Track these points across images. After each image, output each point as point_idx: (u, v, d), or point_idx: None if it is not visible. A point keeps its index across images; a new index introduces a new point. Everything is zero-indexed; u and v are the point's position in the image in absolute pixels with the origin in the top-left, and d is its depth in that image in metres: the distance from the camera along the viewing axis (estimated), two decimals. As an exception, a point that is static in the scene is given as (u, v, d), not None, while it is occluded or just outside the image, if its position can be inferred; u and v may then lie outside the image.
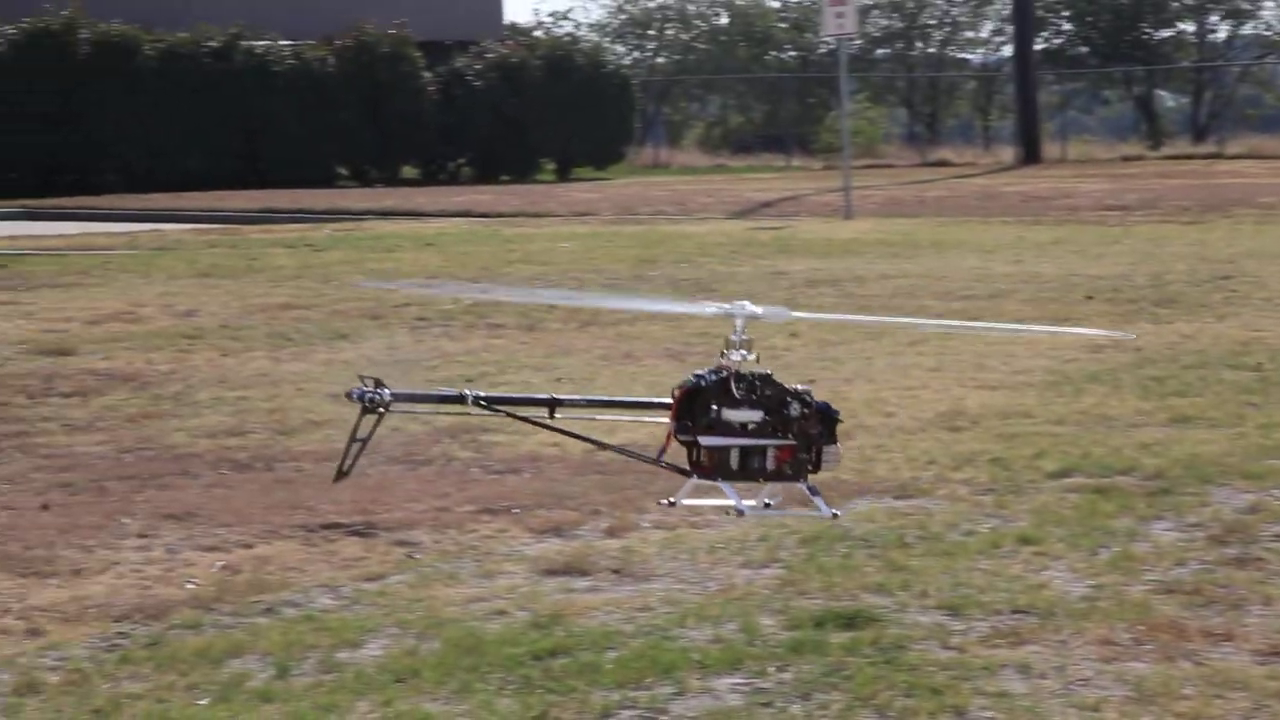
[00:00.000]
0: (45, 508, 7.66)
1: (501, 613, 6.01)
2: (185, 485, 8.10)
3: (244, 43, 40.12)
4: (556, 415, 5.22)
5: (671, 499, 5.28)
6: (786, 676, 5.30)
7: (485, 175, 43.94)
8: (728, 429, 5.05)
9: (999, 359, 11.62)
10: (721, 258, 19.37)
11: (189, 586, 6.37)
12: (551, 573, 6.52)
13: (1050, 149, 48.66)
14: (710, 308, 5.27)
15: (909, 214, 27.22)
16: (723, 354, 5.18)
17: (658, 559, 6.69)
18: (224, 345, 12.72)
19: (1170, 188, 31.52)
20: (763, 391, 5.11)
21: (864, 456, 8.47)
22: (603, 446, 5.69)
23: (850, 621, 5.79)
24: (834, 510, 5.35)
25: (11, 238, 24.34)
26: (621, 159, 48.04)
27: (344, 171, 42.41)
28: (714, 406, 5.06)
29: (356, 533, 7.14)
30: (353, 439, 4.97)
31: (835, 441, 5.23)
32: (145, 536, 7.13)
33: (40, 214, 31.19)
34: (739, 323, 5.22)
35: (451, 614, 5.99)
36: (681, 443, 5.11)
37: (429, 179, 43.75)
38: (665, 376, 10.88)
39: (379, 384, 4.99)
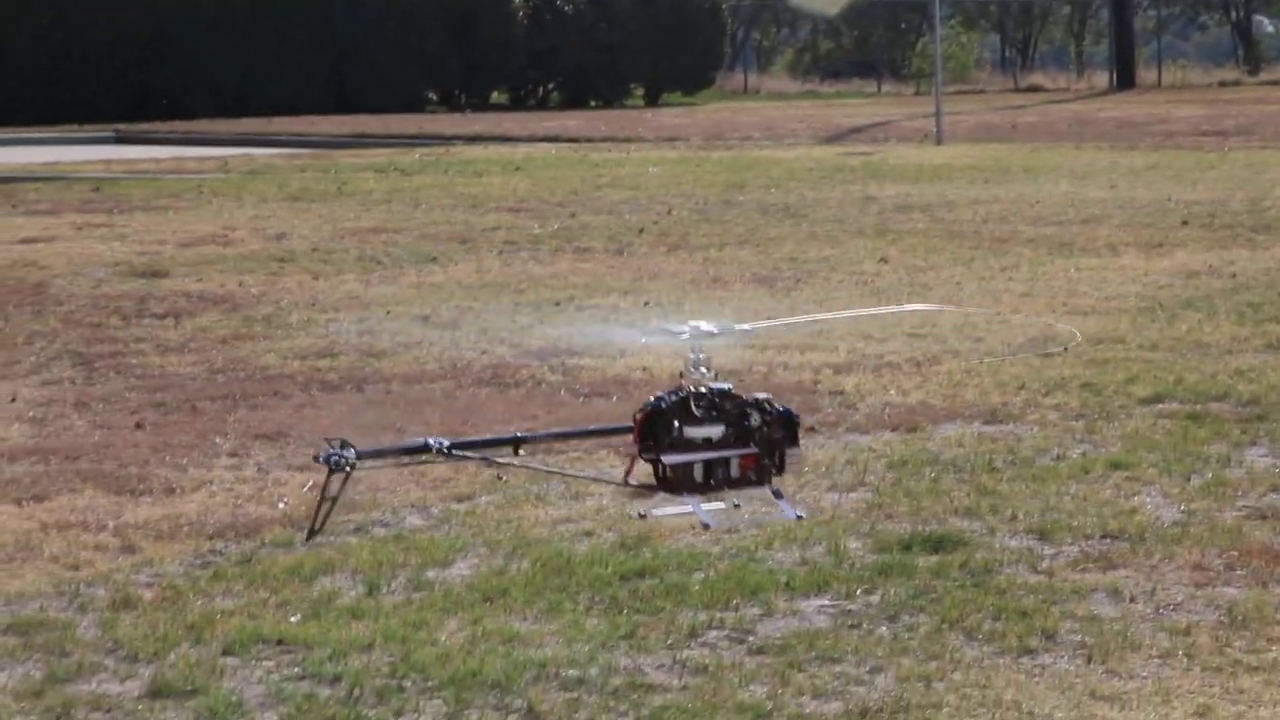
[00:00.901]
0: (139, 427, 7.73)
1: (589, 534, 6.03)
2: (276, 406, 8.16)
3: (335, -33, 40.17)
4: (522, 451, 5.40)
5: (642, 511, 5.46)
6: (873, 599, 5.30)
7: (574, 101, 43.88)
8: (690, 445, 5.20)
9: (1091, 285, 11.53)
10: (811, 183, 19.28)
11: (280, 505, 6.42)
12: (639, 494, 6.52)
13: (1145, 75, 48.12)
14: (677, 329, 5.42)
15: (1001, 139, 26.97)
16: (682, 374, 5.32)
17: (745, 482, 6.68)
18: (314, 268, 12.78)
19: (1268, 114, 31.09)
20: (722, 406, 5.25)
21: (953, 381, 8.43)
22: (572, 476, 5.85)
23: (938, 545, 5.77)
24: (798, 512, 5.51)
25: (106, 161, 24.52)
26: (711, 84, 47.85)
27: (433, 97, 42.45)
28: (675, 424, 5.20)
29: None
30: (323, 498, 5.14)
31: (797, 444, 5.39)
32: (237, 456, 7.18)
33: (133, 138, 31.40)
34: (695, 342, 5.35)
35: (540, 535, 6.01)
36: (647, 461, 5.26)
37: (518, 105, 43.75)
38: (753, 302, 10.87)
39: (345, 444, 5.16)
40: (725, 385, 5.32)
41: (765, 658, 4.84)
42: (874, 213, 16.10)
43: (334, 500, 5.23)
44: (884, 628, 5.06)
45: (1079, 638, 4.95)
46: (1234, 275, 11.77)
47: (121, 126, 33.44)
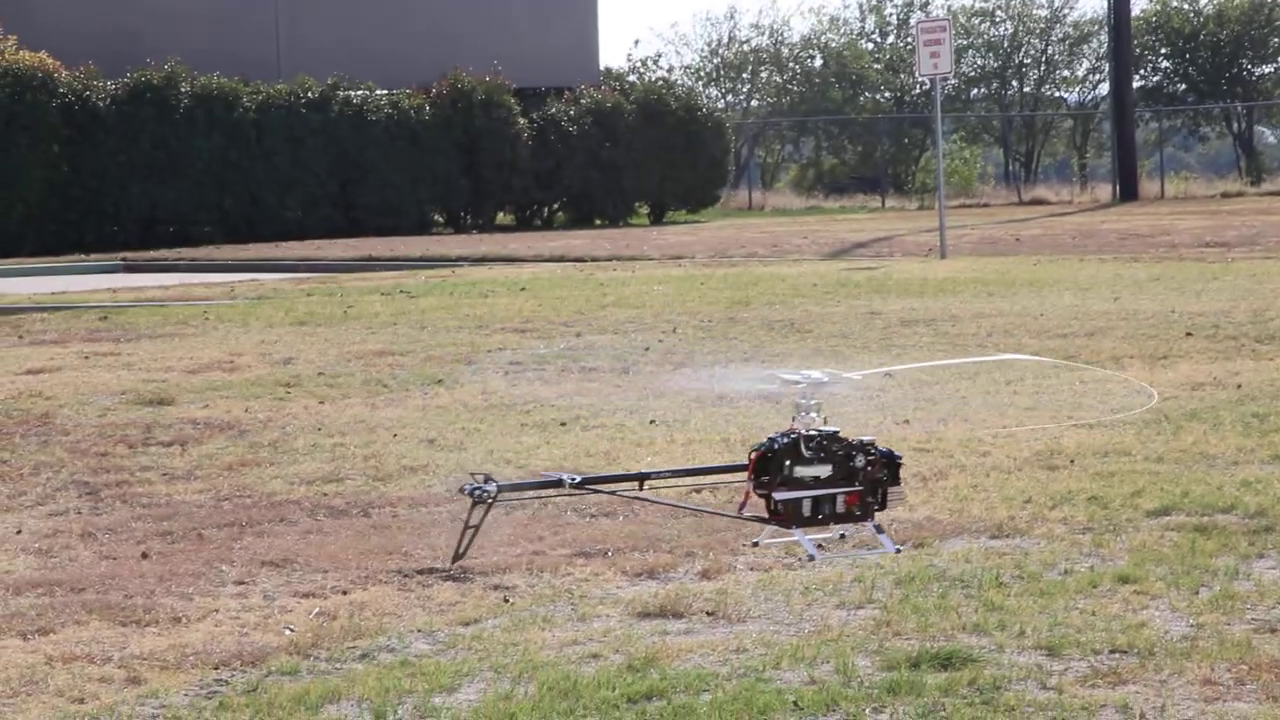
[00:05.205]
0: (145, 556, 7.73)
1: (596, 656, 6.01)
2: (282, 532, 8.15)
3: (341, 92, 40.47)
4: (646, 486, 5.77)
5: (756, 540, 5.73)
6: (883, 718, 5.27)
7: (580, 220, 44.14)
8: (799, 484, 5.51)
9: (1096, 397, 11.53)
10: (815, 299, 19.33)
11: (286, 633, 6.41)
12: (646, 615, 6.51)
13: (1148, 187, 48.41)
14: (791, 377, 5.78)
15: (1004, 253, 27.07)
16: (794, 418, 5.65)
17: (752, 601, 6.67)
18: (321, 392, 12.80)
19: (1271, 224, 31.21)
20: (830, 447, 5.56)
21: (959, 496, 8.42)
22: (691, 509, 6.10)
23: (946, 662, 5.75)
24: (898, 546, 5.76)
25: (113, 290, 24.63)
26: (715, 202, 48.14)
27: (439, 218, 42.68)
28: (786, 464, 5.51)
29: (451, 578, 7.15)
30: (466, 526, 5.52)
31: (898, 483, 5.73)
32: (243, 584, 7.17)
33: (140, 266, 31.56)
34: (806, 389, 5.68)
35: (546, 658, 6.00)
36: (760, 496, 5.54)
37: (523, 225, 43.97)
38: (758, 419, 10.87)
39: (488, 479, 5.59)
40: (833, 429, 5.58)
41: (773, 780, 4.81)
42: (879, 327, 16.13)
43: (476, 529, 5.58)
44: (892, 748, 5.03)
45: (1089, 755, 4.92)
46: (1239, 386, 11.78)
47: (129, 254, 33.61)
